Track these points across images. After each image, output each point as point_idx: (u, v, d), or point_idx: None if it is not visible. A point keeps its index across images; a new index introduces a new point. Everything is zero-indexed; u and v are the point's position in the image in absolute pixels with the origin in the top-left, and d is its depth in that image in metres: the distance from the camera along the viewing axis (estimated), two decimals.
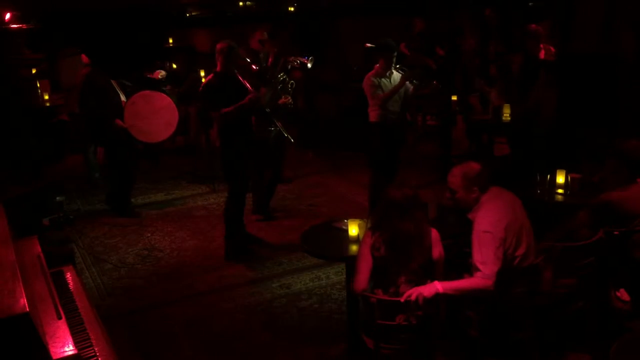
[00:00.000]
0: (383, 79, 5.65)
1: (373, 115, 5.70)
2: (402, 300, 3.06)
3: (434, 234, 3.31)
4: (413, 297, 3.04)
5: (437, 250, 3.29)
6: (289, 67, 6.16)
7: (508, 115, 6.64)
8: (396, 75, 5.69)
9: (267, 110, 5.75)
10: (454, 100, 7.22)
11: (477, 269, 3.23)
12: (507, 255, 3.32)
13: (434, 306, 3.11)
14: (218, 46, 5.10)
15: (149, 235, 5.98)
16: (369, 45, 7.15)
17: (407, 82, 5.65)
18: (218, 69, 5.13)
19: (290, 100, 6.11)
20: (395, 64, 5.71)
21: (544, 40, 6.76)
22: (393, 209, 3.21)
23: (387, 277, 3.24)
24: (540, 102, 6.35)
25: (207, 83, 5.14)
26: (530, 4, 9.76)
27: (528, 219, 3.49)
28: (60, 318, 2.74)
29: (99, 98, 6.11)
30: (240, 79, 5.15)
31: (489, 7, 8.89)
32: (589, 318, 3.83)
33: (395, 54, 5.67)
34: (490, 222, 3.31)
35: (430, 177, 7.16)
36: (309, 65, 6.12)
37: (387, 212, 3.25)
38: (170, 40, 11.77)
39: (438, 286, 3.09)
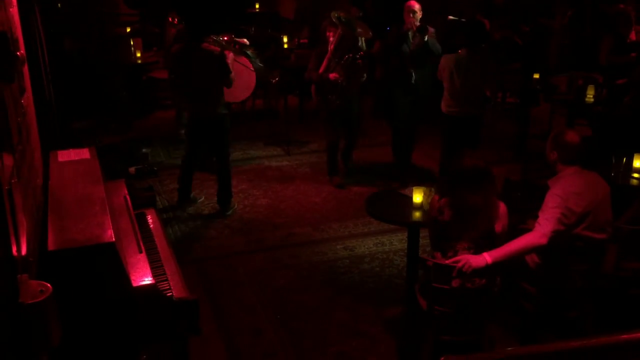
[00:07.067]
0: None
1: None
2: (448, 262, 3.16)
3: (502, 208, 3.32)
4: (460, 265, 3.12)
5: (501, 224, 3.30)
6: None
7: (591, 96, 6.46)
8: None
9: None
10: (536, 79, 7.07)
11: (536, 226, 3.27)
12: (573, 231, 3.32)
13: (487, 277, 3.18)
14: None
15: None
16: (451, 18, 7.08)
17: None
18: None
19: (341, 77, 6.05)
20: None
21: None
22: (463, 179, 3.24)
23: (447, 242, 3.32)
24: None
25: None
26: None
27: (608, 201, 3.44)
28: (141, 252, 3.02)
29: None
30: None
31: None
32: None
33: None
34: (564, 189, 3.32)
35: (505, 155, 7.10)
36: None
37: (457, 181, 3.29)
38: (257, 6, 12.04)
39: (487, 257, 3.13)
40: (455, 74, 5.38)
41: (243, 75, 6.52)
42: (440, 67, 5.50)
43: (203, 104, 5.46)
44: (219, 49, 5.29)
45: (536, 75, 7.08)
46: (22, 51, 3.12)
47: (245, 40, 6.61)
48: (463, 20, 7.33)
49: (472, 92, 5.44)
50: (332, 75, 5.99)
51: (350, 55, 5.95)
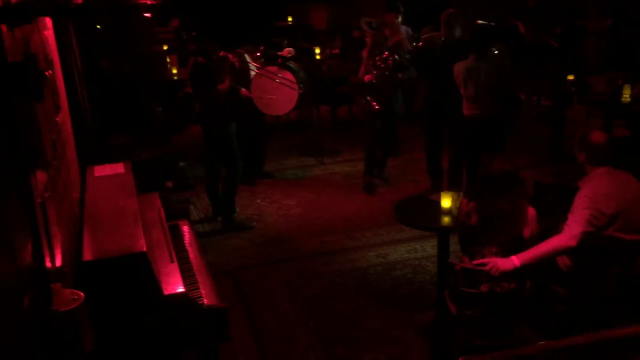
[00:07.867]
0: None
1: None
2: (475, 267, 3.15)
3: (531, 212, 3.29)
4: (487, 268, 3.11)
5: (530, 230, 3.28)
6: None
7: (628, 96, 6.33)
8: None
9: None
10: (570, 80, 6.96)
11: (565, 228, 3.24)
12: (604, 232, 3.27)
13: (516, 280, 3.16)
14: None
15: (259, 201, 6.40)
16: (480, 22, 7.03)
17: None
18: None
19: (375, 79, 6.15)
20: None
21: None
22: (491, 184, 3.25)
23: (475, 246, 3.32)
24: None
25: None
26: None
27: None
28: (172, 262, 3.11)
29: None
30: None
31: None
32: None
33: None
34: (594, 190, 3.28)
35: (540, 158, 7.00)
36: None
37: (484, 185, 3.29)
38: (290, 19, 12.20)
39: (515, 260, 3.12)
40: (468, 80, 5.39)
41: (284, 88, 6.62)
42: (455, 75, 5.50)
43: (206, 115, 5.66)
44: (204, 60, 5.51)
45: (570, 77, 6.97)
46: (52, 70, 3.26)
47: (289, 50, 6.73)
48: (492, 24, 7.28)
49: (487, 96, 5.39)
50: (366, 78, 6.12)
51: (382, 56, 6.04)
